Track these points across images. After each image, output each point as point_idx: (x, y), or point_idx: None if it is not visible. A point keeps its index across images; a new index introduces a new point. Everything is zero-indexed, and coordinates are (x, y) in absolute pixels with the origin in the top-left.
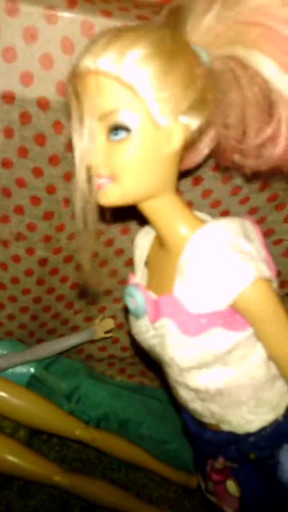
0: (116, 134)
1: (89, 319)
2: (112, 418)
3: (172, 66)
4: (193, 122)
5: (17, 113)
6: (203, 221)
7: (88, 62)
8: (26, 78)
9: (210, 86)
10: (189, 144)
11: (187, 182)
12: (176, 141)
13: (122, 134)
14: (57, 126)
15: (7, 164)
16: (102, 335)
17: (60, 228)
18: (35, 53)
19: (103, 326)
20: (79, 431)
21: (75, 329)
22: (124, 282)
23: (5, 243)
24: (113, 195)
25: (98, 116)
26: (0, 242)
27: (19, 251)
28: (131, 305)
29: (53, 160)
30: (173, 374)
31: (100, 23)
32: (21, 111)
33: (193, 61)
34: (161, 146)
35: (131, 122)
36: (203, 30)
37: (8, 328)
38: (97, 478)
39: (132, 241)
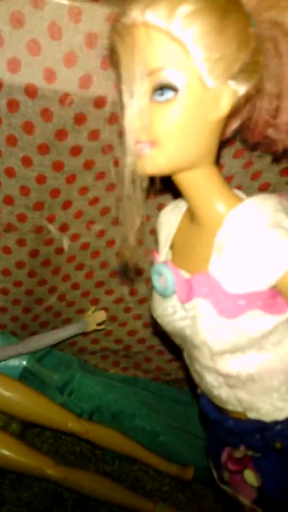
0: (161, 94)
1: (81, 311)
2: (105, 410)
3: (225, 24)
4: (242, 87)
5: (5, 100)
6: (240, 198)
7: (135, 14)
8: (13, 65)
9: (260, 50)
10: (234, 111)
11: None
12: (225, 106)
13: (168, 94)
14: (46, 114)
15: None
16: (94, 327)
17: (50, 219)
18: (22, 38)
19: (95, 318)
20: (72, 423)
21: (67, 321)
22: (115, 273)
23: None
24: (153, 163)
25: (139, 75)
26: None
27: (9, 242)
28: (159, 284)
29: (42, 149)
30: (203, 358)
31: (88, 8)
32: (9, 98)
33: (246, 21)
34: (209, 110)
35: (179, 81)
36: None
37: (1, 321)
38: (91, 471)
39: None
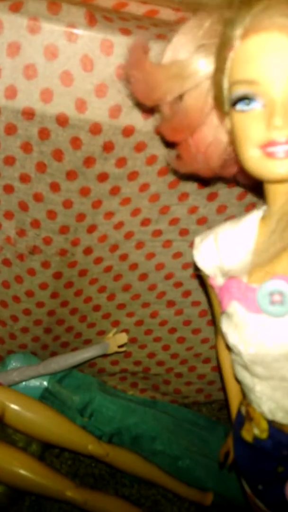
0: None
1: (102, 332)
2: (125, 433)
3: None
4: None
5: (37, 129)
6: None
7: (276, 17)
8: (46, 95)
9: None
10: None
11: (201, 198)
12: None
13: None
14: (75, 142)
15: (25, 178)
16: (115, 349)
17: (75, 243)
18: (55, 70)
19: (116, 340)
20: (92, 446)
21: (88, 342)
22: (137, 296)
23: (21, 257)
24: None
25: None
26: (16, 255)
27: (34, 264)
28: (273, 305)
29: (70, 175)
30: None
31: (119, 41)
32: (40, 127)
33: None
34: None
35: None
36: None
37: (22, 341)
38: (110, 494)
39: None
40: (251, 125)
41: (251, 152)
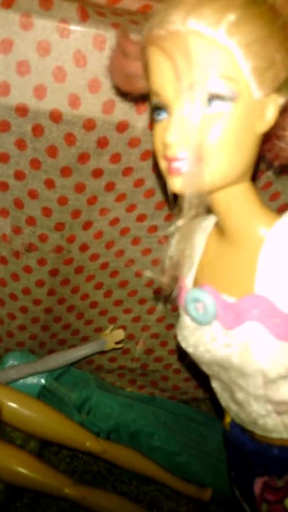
0: (208, 105)
1: (99, 329)
2: (123, 430)
3: (273, 31)
4: (283, 98)
5: (30, 125)
6: (272, 213)
7: (177, 20)
8: (39, 91)
9: None
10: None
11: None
12: (270, 117)
13: (217, 105)
14: (69, 138)
15: (19, 176)
16: (112, 345)
17: (71, 239)
18: (48, 66)
19: (113, 336)
20: (89, 442)
21: (85, 339)
22: (134, 292)
23: (17, 254)
24: (196, 181)
25: (191, 83)
26: (12, 253)
27: (30, 262)
28: (197, 311)
29: (65, 172)
30: (252, 387)
31: (112, 36)
32: (34, 123)
33: None
34: (255, 122)
35: (228, 91)
36: None
37: (19, 338)
38: (108, 491)
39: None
40: (159, 136)
41: (162, 163)
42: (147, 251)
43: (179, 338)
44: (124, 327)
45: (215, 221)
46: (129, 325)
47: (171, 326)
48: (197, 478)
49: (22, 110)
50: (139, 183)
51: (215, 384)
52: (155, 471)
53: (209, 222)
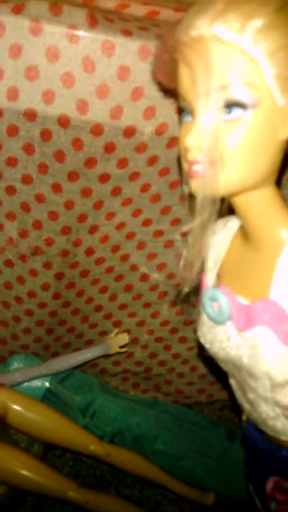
0: (229, 112)
1: (103, 333)
2: (126, 434)
3: None
4: None
5: (38, 130)
6: None
7: (202, 26)
8: (48, 96)
9: None
10: None
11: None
12: None
13: (236, 112)
14: (77, 143)
15: (27, 180)
16: (117, 349)
17: (77, 243)
18: (57, 71)
19: (118, 340)
20: (93, 446)
21: (89, 343)
22: (138, 296)
23: (23, 258)
24: (210, 184)
25: (208, 90)
26: (18, 256)
27: (36, 265)
28: (212, 310)
29: (72, 176)
30: (261, 389)
31: (121, 42)
32: (42, 128)
33: None
34: (278, 128)
35: (249, 98)
36: None
37: (24, 341)
38: (112, 494)
39: None
40: (182, 139)
41: (184, 165)
42: (152, 256)
43: (198, 333)
44: (128, 331)
45: (239, 223)
46: (133, 329)
47: (175, 330)
48: (200, 482)
49: (30, 115)
50: (145, 188)
51: (232, 381)
52: (158, 475)
53: (235, 223)
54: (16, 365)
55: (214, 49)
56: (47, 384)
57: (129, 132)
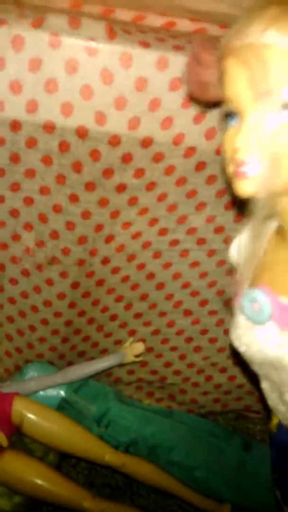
0: (283, 113)
1: (118, 342)
2: (142, 444)
3: None
4: None
5: (57, 142)
6: None
7: (256, 32)
8: (67, 109)
9: None
10: None
11: (219, 207)
12: None
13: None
14: (94, 154)
15: (45, 191)
16: (132, 358)
17: (93, 253)
18: (75, 84)
19: (133, 349)
20: (108, 456)
21: (104, 352)
22: (154, 305)
23: (40, 267)
24: (266, 185)
25: (267, 90)
26: (35, 266)
27: (52, 274)
28: (252, 310)
29: (89, 187)
30: None
31: (139, 53)
32: (61, 140)
33: None
34: None
35: None
36: None
37: (39, 350)
38: (126, 504)
39: None
40: (229, 141)
41: (230, 167)
42: (168, 265)
43: (232, 337)
44: (143, 340)
45: (276, 224)
46: (148, 338)
47: (190, 339)
48: (216, 493)
49: (49, 127)
50: (162, 197)
51: (264, 385)
52: (173, 485)
53: (271, 224)
54: (31, 373)
55: (269, 53)
56: (62, 393)
57: (146, 142)
